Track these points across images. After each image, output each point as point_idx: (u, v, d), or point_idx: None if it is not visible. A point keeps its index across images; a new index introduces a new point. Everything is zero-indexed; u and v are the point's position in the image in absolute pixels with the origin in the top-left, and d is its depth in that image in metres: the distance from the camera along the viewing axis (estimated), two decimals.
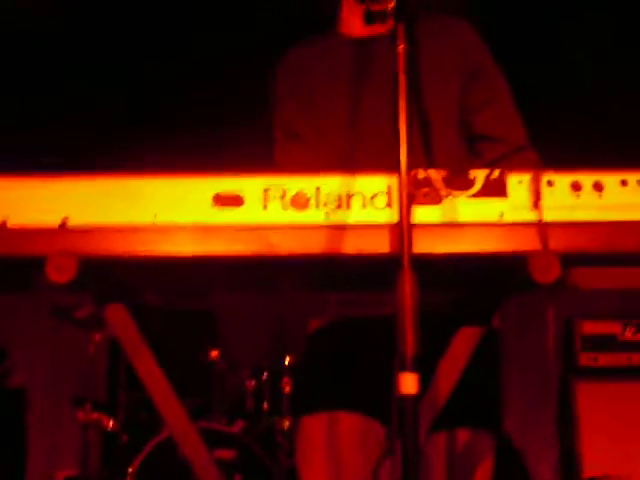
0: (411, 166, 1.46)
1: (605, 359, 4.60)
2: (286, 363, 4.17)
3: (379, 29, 2.27)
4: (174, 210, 1.53)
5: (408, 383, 1.34)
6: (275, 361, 4.22)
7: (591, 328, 4.63)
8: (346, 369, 2.14)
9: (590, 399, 4.50)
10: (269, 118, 2.45)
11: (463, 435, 2.10)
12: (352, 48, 2.34)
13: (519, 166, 2.10)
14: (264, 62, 2.51)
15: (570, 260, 1.50)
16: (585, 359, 4.62)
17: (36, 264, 1.48)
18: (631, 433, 4.39)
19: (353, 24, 2.37)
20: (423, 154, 2.18)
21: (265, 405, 4.19)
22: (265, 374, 4.20)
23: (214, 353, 4.22)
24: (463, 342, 1.73)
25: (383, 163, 1.52)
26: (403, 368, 1.34)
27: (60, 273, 1.45)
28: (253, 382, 4.23)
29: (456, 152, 2.25)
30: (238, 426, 4.02)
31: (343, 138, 2.25)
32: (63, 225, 1.54)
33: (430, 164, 2.12)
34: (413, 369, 1.34)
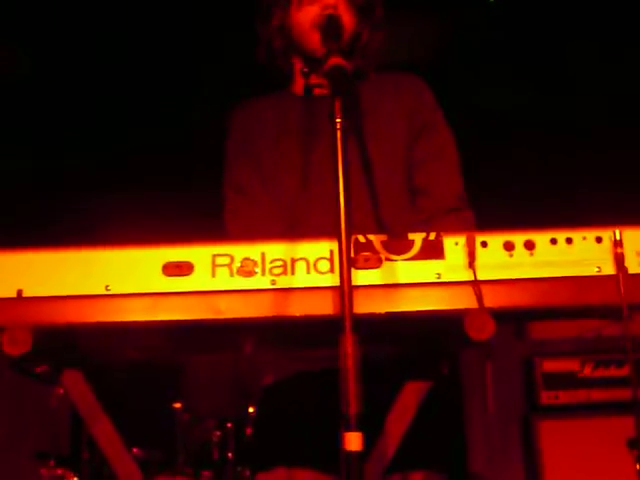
0: (357, 224, 1.53)
1: (565, 396, 4.67)
2: (250, 413, 4.20)
3: (325, 89, 2.36)
4: (125, 280, 1.59)
5: (352, 441, 1.40)
6: (239, 411, 4.25)
7: (551, 366, 4.70)
8: (300, 424, 2.19)
9: (553, 436, 4.56)
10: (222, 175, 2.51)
11: (417, 478, 2.15)
12: (300, 107, 2.43)
13: (454, 225, 2.20)
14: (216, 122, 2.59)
15: (505, 317, 1.58)
16: (546, 397, 4.69)
17: None
18: (594, 468, 4.45)
19: (301, 85, 2.46)
20: (371, 212, 2.26)
21: (230, 455, 4.22)
22: (229, 425, 4.23)
23: (178, 405, 4.25)
24: (409, 396, 1.80)
25: (330, 224, 1.59)
26: (347, 427, 1.40)
27: (15, 346, 1.50)
28: (218, 433, 4.26)
29: (403, 207, 2.33)
30: (205, 477, 4.04)
31: (291, 197, 2.31)
32: (18, 296, 1.59)
33: (379, 227, 2.21)
34: (357, 428, 1.40)
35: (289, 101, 2.47)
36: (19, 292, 1.59)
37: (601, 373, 4.67)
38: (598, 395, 4.67)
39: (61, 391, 4.10)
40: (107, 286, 1.58)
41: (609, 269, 1.60)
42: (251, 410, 4.19)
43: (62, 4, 4.05)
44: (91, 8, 4.00)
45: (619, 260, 1.59)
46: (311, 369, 2.16)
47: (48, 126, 4.13)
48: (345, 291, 1.45)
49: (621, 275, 1.58)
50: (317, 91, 2.41)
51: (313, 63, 2.34)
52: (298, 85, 2.47)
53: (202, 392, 4.63)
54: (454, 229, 1.66)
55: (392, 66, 2.52)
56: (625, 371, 4.56)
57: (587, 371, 4.70)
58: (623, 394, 4.49)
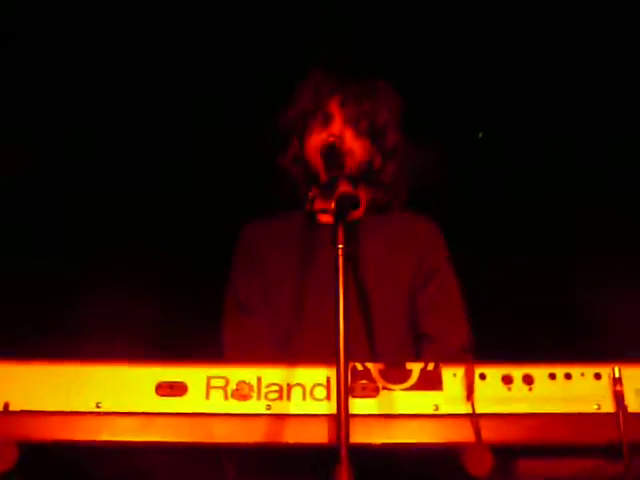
0: (352, 358, 1.52)
1: None
2: None
3: (328, 218, 2.40)
4: (117, 398, 1.55)
5: None
6: None
7: None
8: None
9: None
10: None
11: None
12: (307, 231, 2.46)
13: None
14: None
15: (503, 452, 1.55)
16: None
17: None
18: None
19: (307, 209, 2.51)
20: (367, 346, 2.26)
21: None
22: None
23: None
24: None
25: (325, 352, 1.57)
26: None
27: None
28: None
29: (402, 346, 2.33)
30: None
31: (289, 321, 2.32)
32: (5, 410, 1.55)
33: (373, 356, 2.20)
34: None
35: (298, 224, 2.51)
36: (5, 405, 1.55)
37: None
38: None
39: None
40: (98, 403, 1.55)
41: (608, 407, 1.58)
42: None
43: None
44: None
45: (619, 398, 1.58)
46: None
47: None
48: (342, 419, 1.42)
49: (621, 413, 1.56)
50: (321, 217, 2.45)
51: (319, 188, 2.40)
52: (307, 205, 2.53)
53: None
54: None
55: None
56: None
57: None
58: None
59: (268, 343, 2.31)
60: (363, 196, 2.45)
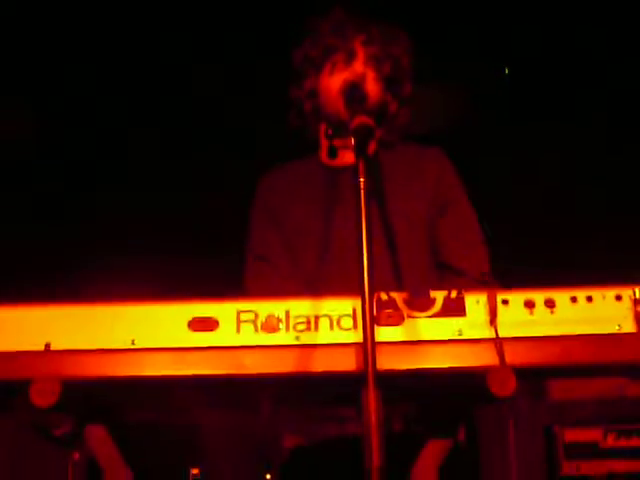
0: (377, 288, 1.56)
1: (587, 467, 4.59)
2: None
3: (348, 159, 2.42)
4: (151, 335, 1.61)
5: None
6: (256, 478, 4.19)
7: (572, 436, 4.63)
8: None
9: None
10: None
11: None
12: (324, 176, 2.48)
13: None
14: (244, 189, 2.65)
15: (526, 374, 1.59)
16: (567, 468, 4.60)
17: (19, 388, 1.55)
18: None
19: (326, 148, 2.52)
20: (392, 276, 2.29)
21: None
22: None
23: (195, 471, 4.20)
24: (431, 454, 1.80)
25: (352, 285, 1.62)
26: None
27: (43, 397, 1.52)
28: None
29: (426, 274, 2.37)
30: None
31: (312, 263, 2.36)
32: (46, 350, 1.62)
33: (399, 285, 2.24)
34: None
35: (314, 168, 2.53)
36: (47, 345, 1.61)
37: (624, 443, 4.60)
38: (621, 466, 4.58)
39: (77, 456, 4.07)
40: (133, 340, 1.61)
41: (629, 327, 1.61)
42: (268, 477, 4.15)
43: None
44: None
45: (639, 318, 1.60)
46: (338, 434, 2.16)
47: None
48: (368, 347, 1.47)
49: None
50: (340, 155, 2.47)
51: (338, 126, 2.41)
52: (323, 150, 2.53)
53: (219, 457, 4.58)
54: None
55: (414, 136, 2.59)
56: None
57: (610, 441, 4.62)
58: None
59: (293, 282, 2.35)
60: (376, 134, 2.47)
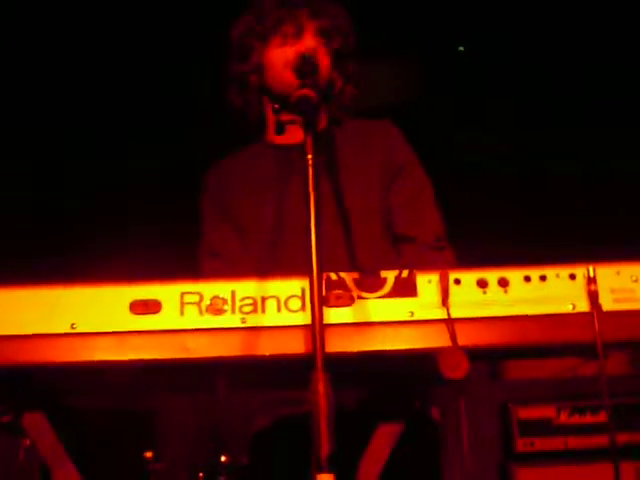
0: (331, 267, 1.51)
1: (542, 443, 4.63)
2: (222, 461, 4.12)
3: (298, 137, 2.36)
4: (92, 318, 1.55)
5: None
6: (211, 460, 4.16)
7: (526, 413, 4.67)
8: (291, 472, 2.13)
9: None
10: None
11: None
12: (274, 157, 2.42)
13: (434, 264, 2.19)
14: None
15: (479, 355, 1.56)
16: (522, 445, 4.64)
17: None
18: None
19: (273, 124, 2.46)
20: (346, 254, 2.24)
21: None
22: (201, 474, 4.14)
23: (149, 454, 4.16)
24: (382, 438, 1.76)
25: (303, 267, 1.56)
26: (319, 469, 1.36)
27: None
28: None
29: (382, 250, 2.32)
30: None
31: (266, 245, 2.30)
32: None
33: (353, 263, 2.20)
34: (329, 469, 1.36)
35: (261, 152, 2.47)
36: None
37: (577, 420, 4.64)
38: (575, 442, 4.63)
39: (27, 442, 3.99)
40: (73, 324, 1.54)
41: (583, 306, 1.59)
42: (223, 459, 4.11)
43: None
44: None
45: (593, 297, 1.58)
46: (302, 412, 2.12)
47: None
48: (317, 329, 1.42)
49: (595, 312, 1.56)
50: (290, 131, 2.41)
51: (284, 99, 2.35)
52: (270, 128, 2.47)
53: (174, 440, 4.54)
54: (433, 267, 1.63)
55: (366, 111, 2.54)
56: (601, 417, 4.54)
57: (563, 418, 4.66)
58: (600, 441, 4.46)
59: (246, 265, 2.30)
60: (324, 113, 2.43)
